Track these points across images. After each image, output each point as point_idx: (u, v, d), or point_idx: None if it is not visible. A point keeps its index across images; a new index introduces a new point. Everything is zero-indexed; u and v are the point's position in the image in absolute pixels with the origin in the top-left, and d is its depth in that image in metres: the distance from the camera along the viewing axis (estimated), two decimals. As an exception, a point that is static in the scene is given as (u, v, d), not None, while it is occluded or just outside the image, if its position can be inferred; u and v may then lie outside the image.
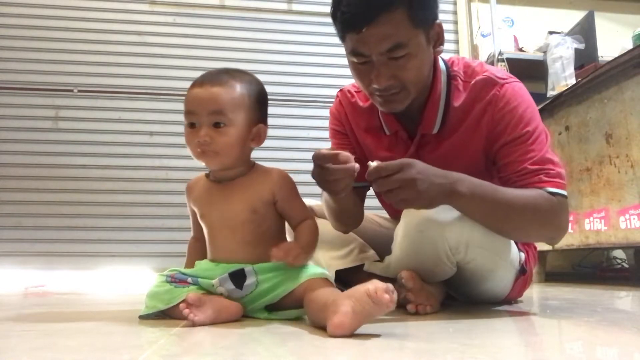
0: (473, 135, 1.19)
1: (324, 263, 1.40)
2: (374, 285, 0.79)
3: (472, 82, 1.19)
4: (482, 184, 1.06)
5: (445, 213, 1.08)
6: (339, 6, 1.08)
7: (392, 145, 1.29)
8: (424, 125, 1.22)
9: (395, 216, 1.37)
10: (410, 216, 1.14)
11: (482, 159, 1.22)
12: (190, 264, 1.17)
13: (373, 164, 0.99)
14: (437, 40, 1.14)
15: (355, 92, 1.36)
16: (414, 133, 1.25)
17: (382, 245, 1.34)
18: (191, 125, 1.05)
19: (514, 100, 1.15)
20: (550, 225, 1.12)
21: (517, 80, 1.20)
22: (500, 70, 1.23)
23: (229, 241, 1.08)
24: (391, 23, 1.04)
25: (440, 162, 1.09)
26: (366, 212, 1.46)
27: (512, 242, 1.21)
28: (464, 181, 1.03)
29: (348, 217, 1.35)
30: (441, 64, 1.22)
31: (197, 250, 1.20)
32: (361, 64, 1.10)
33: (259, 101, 1.11)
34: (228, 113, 1.04)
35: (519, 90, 1.17)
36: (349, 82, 1.39)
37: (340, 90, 1.41)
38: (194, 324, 0.94)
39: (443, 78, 1.21)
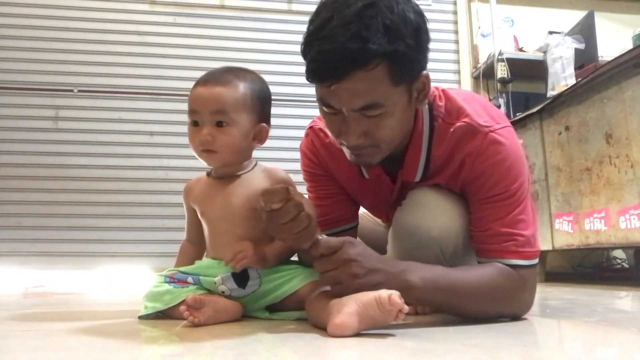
0: (452, 183, 1.08)
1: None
2: (386, 293, 0.79)
3: (452, 130, 1.03)
4: (435, 271, 0.96)
5: (437, 217, 1.06)
6: (307, 51, 0.92)
7: (374, 188, 1.18)
8: (405, 173, 1.10)
9: (387, 222, 1.35)
10: (400, 221, 1.13)
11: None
12: (180, 265, 1.18)
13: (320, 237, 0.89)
14: (421, 91, 0.98)
15: None
16: (396, 176, 1.12)
17: (380, 243, 1.33)
18: (194, 124, 1.07)
19: (496, 154, 1.00)
20: (511, 304, 1.01)
21: (505, 123, 1.04)
22: (486, 111, 1.05)
23: (229, 237, 1.08)
24: (367, 81, 0.88)
25: None
26: (363, 211, 1.46)
27: None
28: (414, 270, 0.92)
29: None
30: None
31: (189, 252, 1.21)
32: (330, 113, 0.96)
33: (262, 100, 1.12)
34: (230, 113, 1.05)
35: (504, 140, 1.01)
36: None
37: (310, 127, 1.22)
38: (194, 325, 0.94)
39: (426, 118, 1.06)
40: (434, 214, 1.07)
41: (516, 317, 1.04)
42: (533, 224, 1.03)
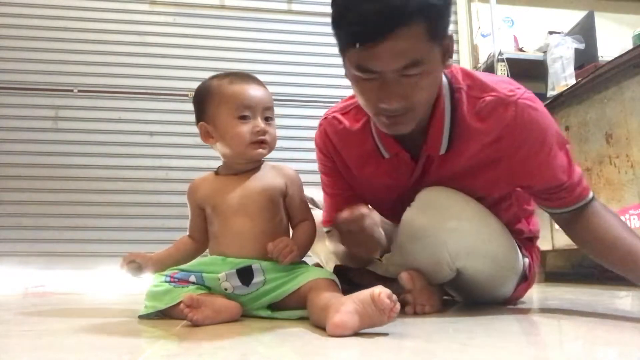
0: (491, 161, 1.09)
1: (322, 258, 1.39)
2: (379, 289, 0.79)
3: (483, 103, 1.06)
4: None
5: (447, 219, 1.06)
6: (345, 14, 0.91)
7: (392, 169, 1.17)
8: (429, 146, 1.09)
9: (394, 221, 1.35)
10: (407, 221, 1.13)
11: (504, 181, 1.14)
12: (168, 252, 1.18)
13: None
14: (447, 52, 0.99)
15: (342, 114, 1.20)
16: (416, 154, 1.12)
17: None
18: (243, 118, 1.11)
19: (532, 116, 1.05)
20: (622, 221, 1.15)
21: (524, 88, 1.09)
22: (502, 80, 1.10)
23: (244, 229, 1.09)
24: (409, 38, 0.88)
25: (449, 179, 1.09)
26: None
27: (517, 249, 1.20)
28: None
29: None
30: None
31: (185, 246, 1.20)
32: (367, 79, 0.95)
33: None
34: (273, 110, 1.16)
35: (532, 103, 1.06)
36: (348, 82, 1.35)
37: (324, 117, 1.24)
38: (193, 324, 0.94)
39: (445, 92, 1.07)
40: (442, 216, 1.06)
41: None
42: (579, 170, 1.14)
